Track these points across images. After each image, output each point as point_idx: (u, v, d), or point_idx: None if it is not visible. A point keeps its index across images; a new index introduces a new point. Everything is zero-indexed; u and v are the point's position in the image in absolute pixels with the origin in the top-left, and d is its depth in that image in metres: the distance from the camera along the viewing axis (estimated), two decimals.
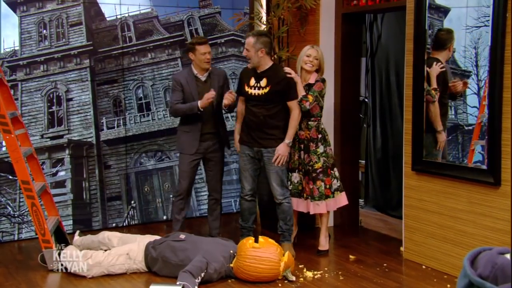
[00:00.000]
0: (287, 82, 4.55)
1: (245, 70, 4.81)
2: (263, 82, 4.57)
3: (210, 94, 4.60)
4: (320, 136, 4.73)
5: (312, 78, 4.70)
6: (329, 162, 4.76)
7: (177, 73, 5.18)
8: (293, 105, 4.57)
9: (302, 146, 4.75)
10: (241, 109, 4.79)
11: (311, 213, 4.79)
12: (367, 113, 6.55)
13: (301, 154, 4.76)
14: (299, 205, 4.83)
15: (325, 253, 4.84)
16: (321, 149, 4.71)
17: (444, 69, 4.24)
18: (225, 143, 4.96)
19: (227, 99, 4.64)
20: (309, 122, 4.71)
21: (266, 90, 4.55)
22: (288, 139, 4.57)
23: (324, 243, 4.86)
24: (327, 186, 4.72)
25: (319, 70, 4.75)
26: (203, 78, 4.80)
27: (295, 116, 4.57)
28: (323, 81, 4.71)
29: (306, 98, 4.57)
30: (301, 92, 4.59)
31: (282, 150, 4.55)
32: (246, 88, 4.64)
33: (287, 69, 4.64)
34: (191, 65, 4.85)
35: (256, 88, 4.58)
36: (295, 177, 4.81)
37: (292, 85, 4.57)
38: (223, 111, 4.85)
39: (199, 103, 4.62)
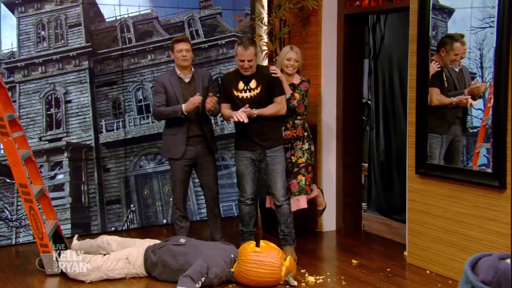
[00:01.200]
0: (274, 78, 4.61)
1: (228, 76, 4.76)
2: (253, 84, 4.58)
3: (196, 99, 4.57)
4: (306, 134, 4.87)
5: (295, 79, 4.84)
6: (311, 160, 4.88)
7: (160, 75, 5.14)
8: (279, 100, 4.60)
9: (288, 146, 4.84)
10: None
11: (293, 209, 4.79)
12: (370, 115, 6.55)
13: (286, 155, 4.80)
14: None
15: (324, 210, 5.16)
16: (306, 145, 4.85)
17: (439, 68, 4.26)
18: (212, 147, 4.90)
19: (208, 103, 4.59)
20: (295, 121, 4.84)
21: (257, 91, 4.57)
22: (258, 112, 4.50)
23: (322, 201, 5.12)
24: (307, 183, 4.80)
25: (298, 70, 4.90)
26: (186, 80, 4.78)
27: (278, 106, 4.57)
28: (309, 81, 4.87)
29: (293, 96, 4.73)
30: (287, 90, 4.71)
31: (249, 110, 4.47)
32: (236, 93, 4.60)
33: (272, 68, 4.69)
34: (174, 67, 4.85)
35: (247, 91, 4.58)
36: None
37: (279, 81, 4.63)
38: (207, 114, 4.76)
39: (183, 107, 4.60)
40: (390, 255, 4.87)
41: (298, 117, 4.85)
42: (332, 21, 5.39)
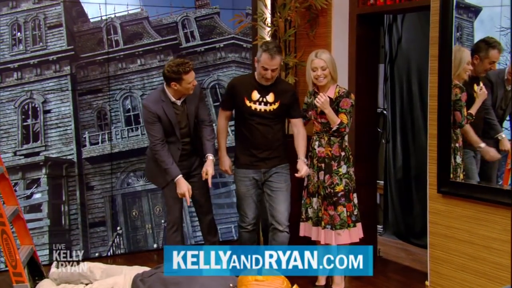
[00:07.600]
0: (295, 96, 4.61)
1: (241, 82, 4.70)
2: (270, 97, 4.54)
3: (188, 194, 4.52)
4: (343, 154, 4.60)
5: (330, 91, 4.56)
6: (352, 185, 4.66)
7: (149, 100, 4.59)
8: (299, 122, 4.65)
9: (322, 165, 4.62)
10: (225, 126, 4.77)
11: (333, 244, 4.68)
12: (386, 127, 6.54)
13: (319, 175, 4.66)
14: (320, 235, 4.68)
15: None
16: (343, 169, 4.59)
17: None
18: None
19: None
20: (332, 138, 4.58)
21: (275, 106, 4.54)
22: (304, 157, 4.59)
23: (339, 281, 4.76)
24: (348, 213, 4.61)
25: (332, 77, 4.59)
26: (179, 102, 4.57)
27: (304, 133, 4.66)
28: (348, 95, 4.55)
29: (343, 125, 4.48)
30: (334, 121, 4.48)
31: (306, 169, 4.53)
32: (248, 103, 4.56)
33: (320, 97, 4.48)
34: (164, 89, 4.50)
35: (262, 104, 4.54)
36: (315, 202, 4.70)
37: (298, 100, 4.63)
38: None
39: (176, 180, 4.51)
40: (410, 285, 4.87)
41: (335, 134, 4.58)
42: (343, 21, 5.37)
